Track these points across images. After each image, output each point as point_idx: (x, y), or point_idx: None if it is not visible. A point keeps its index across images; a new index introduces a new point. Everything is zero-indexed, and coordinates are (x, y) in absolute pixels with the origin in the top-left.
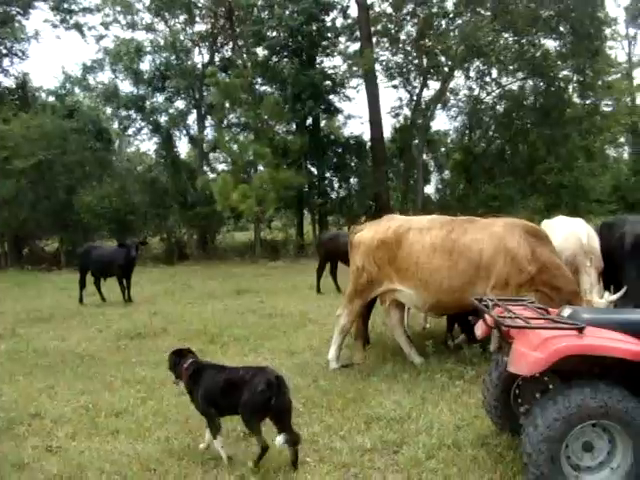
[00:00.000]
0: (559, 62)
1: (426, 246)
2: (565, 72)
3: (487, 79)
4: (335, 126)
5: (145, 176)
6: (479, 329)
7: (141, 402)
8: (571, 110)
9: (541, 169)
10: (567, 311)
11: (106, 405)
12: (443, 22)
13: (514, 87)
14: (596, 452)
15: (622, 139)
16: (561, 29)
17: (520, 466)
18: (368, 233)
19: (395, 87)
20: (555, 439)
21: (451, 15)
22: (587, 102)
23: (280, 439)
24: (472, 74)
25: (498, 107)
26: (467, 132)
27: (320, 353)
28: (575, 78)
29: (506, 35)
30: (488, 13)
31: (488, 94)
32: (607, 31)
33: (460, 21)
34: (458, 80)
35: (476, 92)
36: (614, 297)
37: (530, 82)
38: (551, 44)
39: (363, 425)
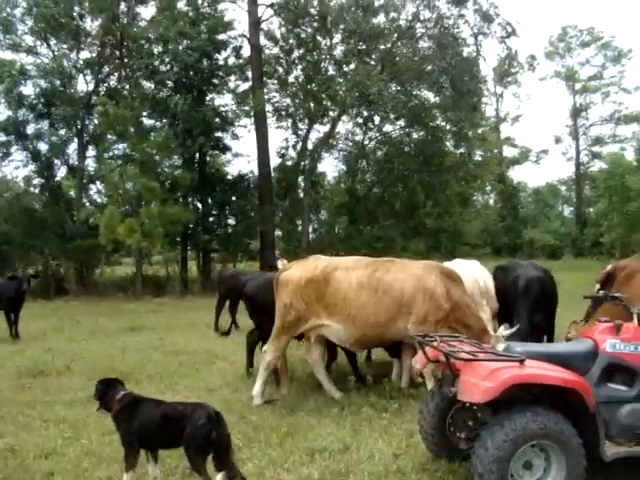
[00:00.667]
0: (437, 113)
1: (353, 284)
2: (442, 122)
3: (370, 125)
4: (222, 163)
5: (15, 204)
6: (418, 362)
7: (70, 442)
8: (448, 159)
9: (422, 213)
10: (502, 346)
11: (32, 446)
12: (331, 68)
13: (395, 134)
14: (534, 469)
15: (489, 187)
16: (443, 84)
17: None
18: (296, 272)
19: (283, 128)
20: (504, 459)
21: (340, 62)
22: (462, 151)
23: (220, 477)
24: (359, 120)
25: (379, 153)
26: (350, 175)
27: (238, 389)
28: (452, 129)
29: (392, 85)
30: (373, 62)
31: (371, 140)
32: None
33: (347, 69)
34: (346, 125)
35: (359, 137)
36: (508, 332)
37: (411, 130)
38: (432, 96)
39: (306, 457)
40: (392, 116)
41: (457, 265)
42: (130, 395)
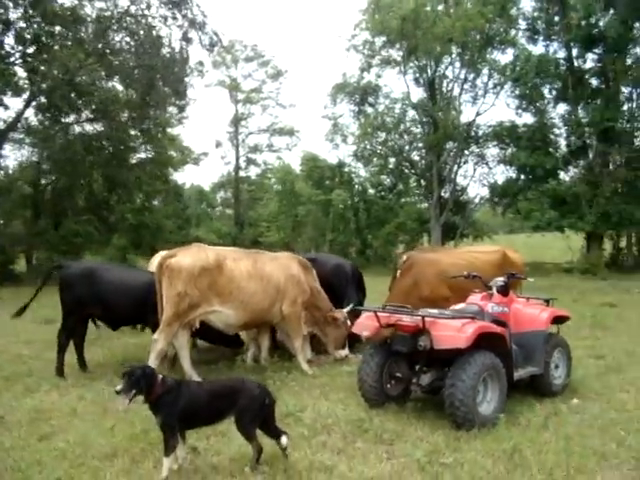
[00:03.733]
0: (127, 110)
1: (244, 273)
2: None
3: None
4: None
5: None
6: (368, 329)
7: None
8: (137, 156)
9: (125, 209)
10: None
11: None
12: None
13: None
14: (480, 392)
15: None
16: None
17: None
18: (186, 259)
19: None
20: (474, 386)
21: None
22: (150, 150)
23: (284, 439)
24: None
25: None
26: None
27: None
28: (140, 126)
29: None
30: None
31: (57, 131)
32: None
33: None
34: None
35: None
36: (348, 309)
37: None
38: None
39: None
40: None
41: None
42: (169, 379)
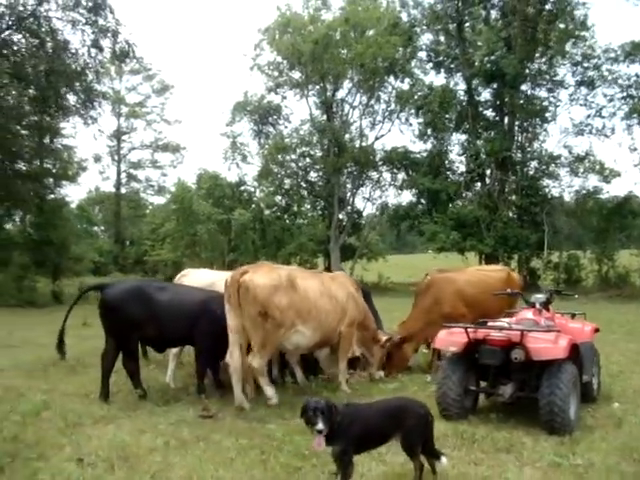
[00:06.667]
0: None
1: (316, 292)
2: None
3: None
4: None
5: None
6: (456, 345)
7: None
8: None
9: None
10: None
11: None
12: None
13: None
14: None
15: None
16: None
17: None
18: (261, 278)
19: None
20: (569, 394)
21: None
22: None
23: (444, 460)
24: None
25: None
26: None
27: None
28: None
29: None
30: None
31: None
32: None
33: None
34: None
35: None
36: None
37: None
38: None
39: None
40: None
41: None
42: (338, 404)
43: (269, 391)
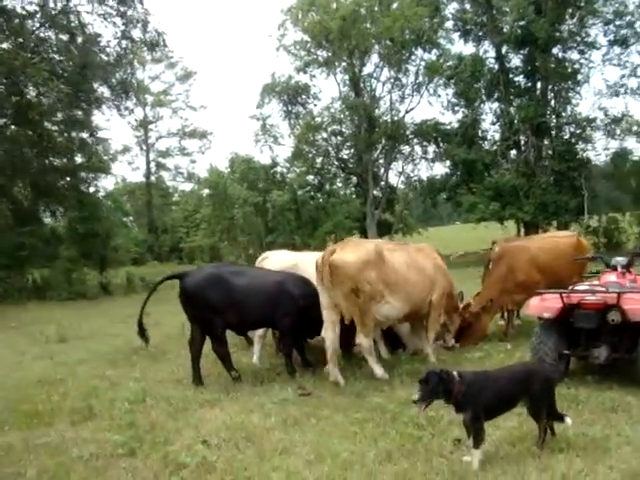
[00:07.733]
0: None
1: (403, 264)
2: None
3: None
4: None
5: None
6: (550, 311)
7: None
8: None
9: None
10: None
11: None
12: None
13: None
14: None
15: None
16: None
17: None
18: (349, 255)
19: None
20: None
21: None
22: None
23: (569, 420)
24: None
25: None
26: None
27: None
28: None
29: None
30: None
31: None
32: None
33: None
34: None
35: None
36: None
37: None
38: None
39: None
40: None
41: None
42: (466, 373)
43: (378, 369)
